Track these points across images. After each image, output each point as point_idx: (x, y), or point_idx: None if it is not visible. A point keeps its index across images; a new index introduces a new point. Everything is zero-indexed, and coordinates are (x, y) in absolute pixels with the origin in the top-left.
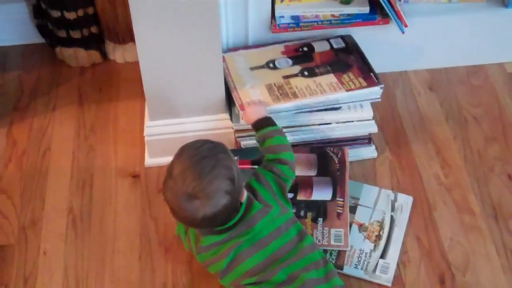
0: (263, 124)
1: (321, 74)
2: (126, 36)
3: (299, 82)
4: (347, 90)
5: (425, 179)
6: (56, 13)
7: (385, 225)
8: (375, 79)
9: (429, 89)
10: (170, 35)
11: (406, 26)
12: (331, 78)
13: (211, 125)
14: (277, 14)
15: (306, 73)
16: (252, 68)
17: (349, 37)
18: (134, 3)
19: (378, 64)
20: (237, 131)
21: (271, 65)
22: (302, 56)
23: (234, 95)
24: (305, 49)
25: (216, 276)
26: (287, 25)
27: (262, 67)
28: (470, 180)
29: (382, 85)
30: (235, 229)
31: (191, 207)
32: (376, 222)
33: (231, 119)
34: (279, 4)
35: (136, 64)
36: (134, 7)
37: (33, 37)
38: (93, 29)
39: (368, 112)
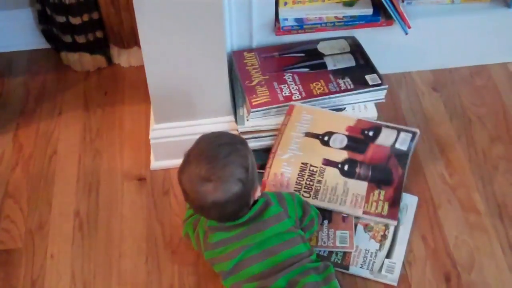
0: None
1: (358, 178)
2: (131, 40)
3: (332, 178)
4: (364, 212)
5: (430, 179)
6: (61, 18)
7: (390, 225)
8: (397, 211)
9: (433, 90)
10: (175, 38)
11: (409, 27)
12: (362, 188)
13: (216, 127)
14: (280, 16)
15: (346, 168)
16: (307, 134)
17: (353, 38)
18: (139, 8)
19: (382, 65)
20: (242, 133)
21: (325, 138)
22: (359, 142)
23: (268, 162)
24: (371, 133)
25: (219, 275)
26: (290, 28)
27: (316, 136)
28: (475, 179)
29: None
30: (244, 228)
31: (202, 190)
32: (382, 222)
33: (236, 121)
34: (283, 7)
35: (141, 68)
36: (138, 11)
37: (39, 43)
38: (98, 34)
39: (373, 113)
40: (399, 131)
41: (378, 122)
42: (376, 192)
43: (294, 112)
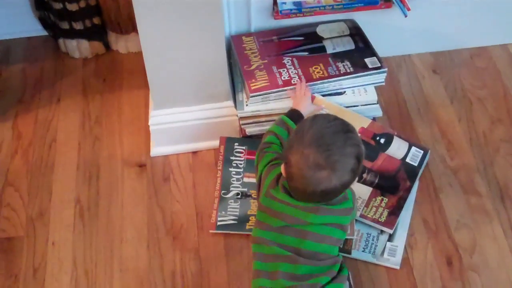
0: None
1: (363, 182)
2: (128, 26)
3: None
4: (361, 216)
5: (431, 162)
6: (58, 5)
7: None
8: (396, 220)
9: (433, 72)
10: (173, 24)
11: (408, 9)
12: (365, 192)
13: (215, 113)
14: (279, 0)
15: None
16: None
17: (352, 21)
18: None
19: (382, 48)
20: (241, 118)
21: None
22: (372, 148)
23: None
24: (382, 141)
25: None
26: (289, 11)
27: None
28: (476, 161)
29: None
30: (309, 205)
31: (314, 176)
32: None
33: (235, 106)
34: None
35: (139, 54)
36: None
37: (36, 30)
38: (96, 20)
39: (373, 96)
40: (410, 145)
41: (391, 130)
42: (379, 198)
43: (314, 103)
